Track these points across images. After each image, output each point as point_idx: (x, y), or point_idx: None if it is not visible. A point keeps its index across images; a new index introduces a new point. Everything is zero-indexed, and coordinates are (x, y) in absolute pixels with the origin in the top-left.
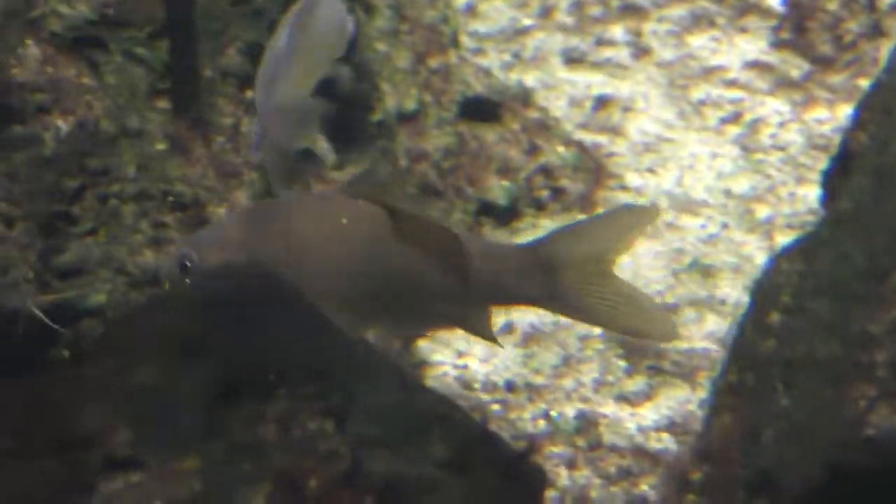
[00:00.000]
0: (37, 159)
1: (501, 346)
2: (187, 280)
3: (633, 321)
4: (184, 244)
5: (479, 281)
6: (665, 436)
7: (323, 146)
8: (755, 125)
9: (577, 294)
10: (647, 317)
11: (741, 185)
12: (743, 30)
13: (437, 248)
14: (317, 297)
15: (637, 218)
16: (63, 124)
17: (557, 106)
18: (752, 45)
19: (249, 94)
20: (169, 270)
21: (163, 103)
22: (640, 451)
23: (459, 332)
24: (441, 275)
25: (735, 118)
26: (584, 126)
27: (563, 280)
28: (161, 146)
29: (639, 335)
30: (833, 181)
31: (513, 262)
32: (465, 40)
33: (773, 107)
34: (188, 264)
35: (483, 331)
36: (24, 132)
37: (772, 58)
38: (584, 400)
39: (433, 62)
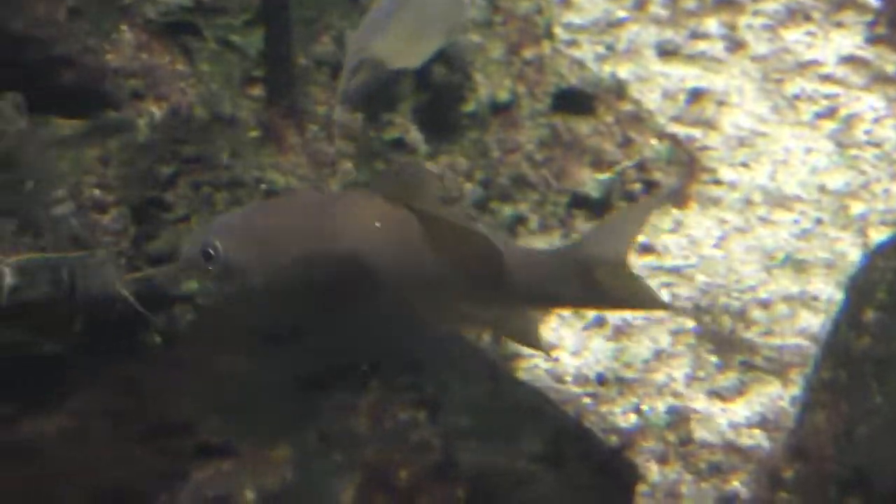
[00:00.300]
0: (130, 145)
1: (549, 355)
2: (210, 268)
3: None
4: (208, 232)
5: (513, 285)
6: (757, 432)
7: (415, 136)
8: (850, 120)
9: (608, 290)
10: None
11: (835, 180)
12: (838, 24)
13: (469, 251)
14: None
15: (642, 210)
16: (157, 111)
17: (651, 98)
18: (847, 39)
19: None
20: (192, 258)
21: (256, 91)
22: (731, 447)
23: (549, 325)
24: (471, 277)
25: (830, 113)
26: (677, 119)
27: (598, 280)
28: (254, 134)
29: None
30: None
31: (549, 267)
32: (559, 32)
33: (869, 102)
34: (211, 253)
35: (527, 337)
36: (118, 118)
37: (867, 53)
38: (676, 395)
39: (527, 53)
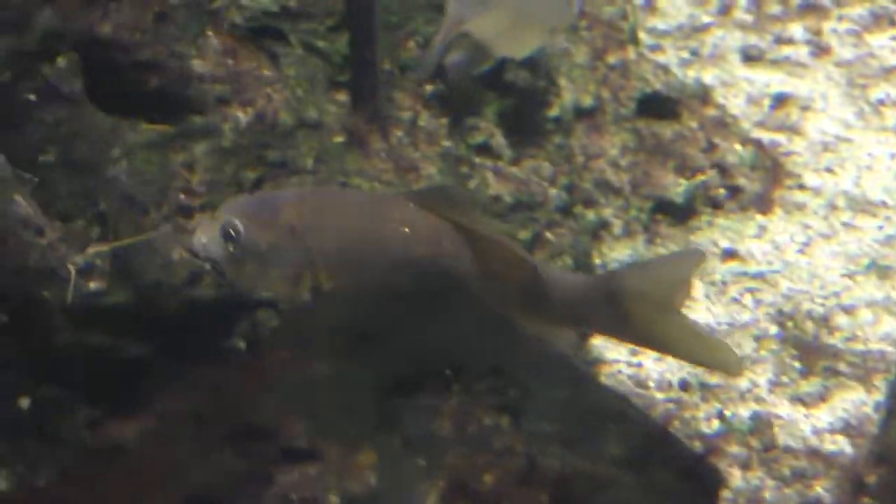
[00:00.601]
0: (216, 151)
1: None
2: (231, 249)
3: (699, 355)
4: (229, 212)
5: (544, 303)
6: (840, 438)
7: (499, 141)
8: None
9: (643, 326)
10: (712, 351)
11: None
12: None
13: (506, 268)
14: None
15: (692, 260)
16: (242, 116)
17: (735, 104)
18: None
19: (429, 87)
20: (211, 240)
21: (341, 96)
22: (814, 453)
23: None
24: (505, 292)
25: None
26: (761, 124)
27: (629, 312)
28: (339, 139)
29: (706, 367)
30: None
31: (581, 292)
32: (644, 36)
33: None
34: (233, 234)
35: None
36: (204, 123)
37: None
38: (759, 400)
39: (611, 58)
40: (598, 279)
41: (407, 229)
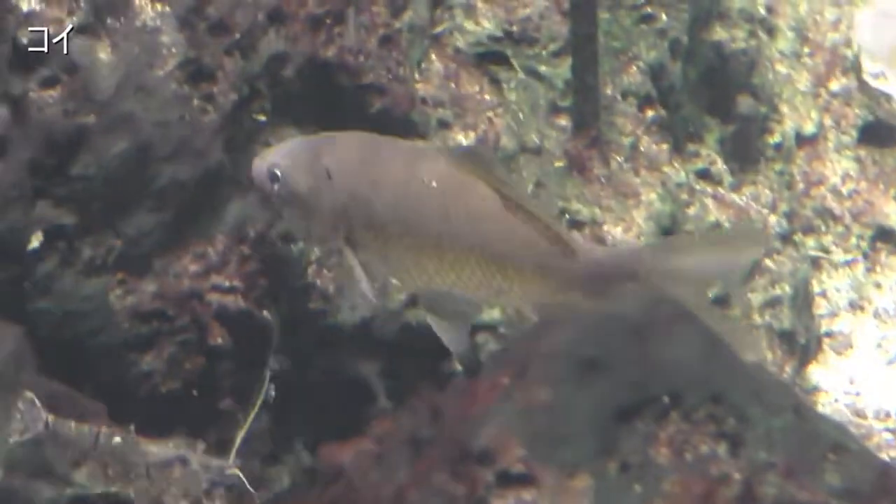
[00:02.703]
0: None
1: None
2: (275, 189)
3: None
4: (276, 153)
5: (573, 275)
6: None
7: (720, 167)
8: None
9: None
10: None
11: None
12: None
13: (537, 233)
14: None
15: (745, 244)
16: (464, 139)
17: None
18: None
19: (650, 112)
20: (259, 174)
21: (562, 121)
22: None
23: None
24: (536, 260)
25: None
26: None
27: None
28: (559, 164)
29: None
30: None
31: (606, 267)
32: (867, 63)
33: None
34: (277, 174)
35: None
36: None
37: None
38: None
39: (833, 85)
40: (624, 255)
41: (436, 183)
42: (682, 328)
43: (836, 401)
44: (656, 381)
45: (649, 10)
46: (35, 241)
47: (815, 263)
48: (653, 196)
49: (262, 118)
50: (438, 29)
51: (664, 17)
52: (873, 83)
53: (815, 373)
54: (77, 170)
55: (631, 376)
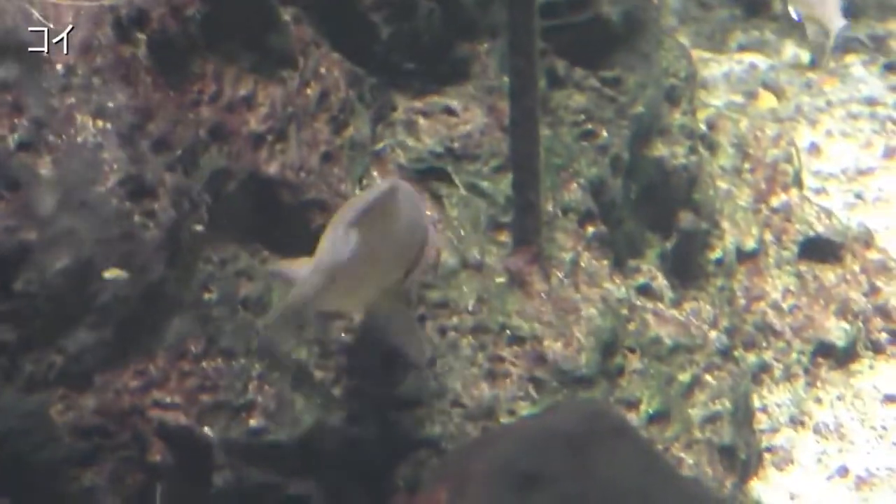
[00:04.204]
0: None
1: None
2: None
3: None
4: None
5: None
6: None
7: (661, 283)
8: None
9: None
10: None
11: None
12: None
13: None
14: None
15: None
16: None
17: None
18: None
19: (591, 229)
20: None
21: (503, 237)
22: None
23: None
24: None
25: None
26: None
27: None
28: (500, 279)
29: None
30: None
31: None
32: (808, 179)
33: None
34: None
35: None
36: None
37: None
38: None
39: (774, 201)
40: None
41: None
42: (619, 442)
43: None
44: (595, 495)
45: (590, 126)
46: None
47: (757, 378)
48: (593, 311)
49: (200, 227)
50: (380, 145)
51: (605, 133)
52: (814, 198)
53: (757, 488)
54: (19, 286)
55: (570, 491)
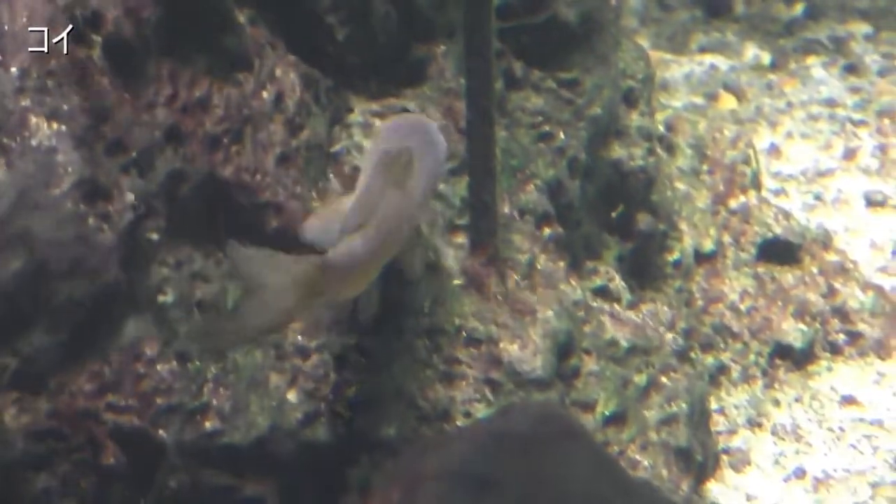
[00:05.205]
0: None
1: None
2: None
3: None
4: None
5: None
6: None
7: (618, 284)
8: None
9: None
10: None
11: None
12: None
13: None
14: None
15: None
16: None
17: (857, 249)
18: None
19: (547, 230)
20: None
21: (460, 239)
22: None
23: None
24: None
25: None
26: (883, 270)
27: None
28: (457, 281)
29: None
30: None
31: None
32: (768, 181)
33: None
34: None
35: None
36: None
37: None
38: None
39: (733, 202)
40: None
41: None
42: (571, 444)
43: None
44: (546, 497)
45: (547, 128)
46: None
47: (714, 380)
48: (549, 314)
49: (155, 236)
50: (336, 147)
51: (562, 135)
52: (773, 200)
53: (713, 490)
54: None
55: (521, 493)
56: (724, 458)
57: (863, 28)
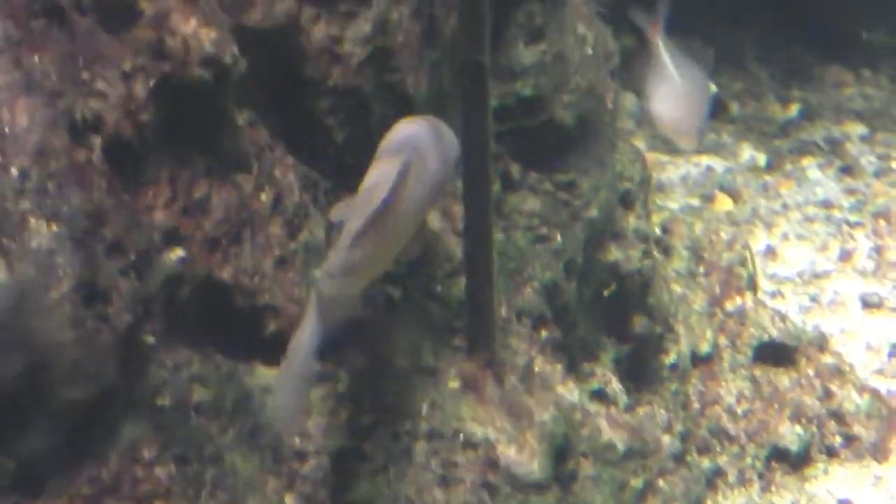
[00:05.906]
0: (332, 395)
1: None
2: None
3: None
4: None
5: None
6: None
7: (615, 387)
8: None
9: None
10: None
11: None
12: None
13: None
14: None
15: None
16: (360, 360)
17: (853, 351)
18: None
19: (544, 333)
20: None
21: (457, 341)
22: None
23: None
24: None
25: None
26: (880, 372)
27: None
28: (454, 384)
29: None
30: None
31: None
32: (764, 282)
33: None
34: None
35: None
36: (321, 368)
37: None
38: None
39: (729, 305)
40: None
41: None
42: None
43: None
44: None
45: (544, 230)
46: None
47: (711, 483)
48: (546, 417)
49: (153, 339)
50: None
51: (559, 237)
52: (769, 302)
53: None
54: None
55: None
56: None
57: (858, 129)
